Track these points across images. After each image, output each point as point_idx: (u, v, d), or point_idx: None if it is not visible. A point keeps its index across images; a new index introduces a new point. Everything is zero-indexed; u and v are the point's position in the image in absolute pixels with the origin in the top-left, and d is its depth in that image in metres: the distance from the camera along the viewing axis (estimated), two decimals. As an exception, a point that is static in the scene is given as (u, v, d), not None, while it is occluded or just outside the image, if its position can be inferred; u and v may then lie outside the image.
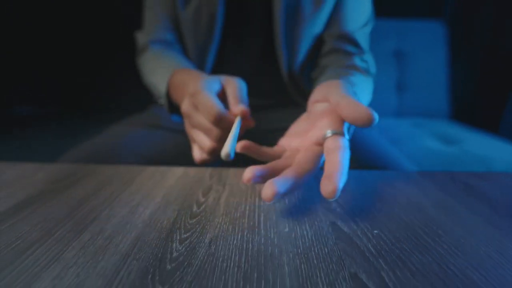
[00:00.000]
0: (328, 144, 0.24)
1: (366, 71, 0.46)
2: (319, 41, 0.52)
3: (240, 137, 0.28)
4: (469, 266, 0.16)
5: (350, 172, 0.29)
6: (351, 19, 0.50)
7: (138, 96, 0.70)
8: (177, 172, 0.29)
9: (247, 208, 0.23)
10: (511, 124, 1.17)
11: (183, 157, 0.43)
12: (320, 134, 0.26)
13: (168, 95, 0.41)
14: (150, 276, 0.15)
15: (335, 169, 0.20)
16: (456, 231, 0.20)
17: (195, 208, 0.23)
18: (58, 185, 0.26)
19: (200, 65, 0.53)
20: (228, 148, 0.20)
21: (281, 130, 0.47)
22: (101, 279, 0.15)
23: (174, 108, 0.42)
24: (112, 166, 0.31)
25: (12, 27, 1.02)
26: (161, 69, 0.45)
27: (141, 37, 0.56)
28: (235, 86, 0.32)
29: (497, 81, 1.12)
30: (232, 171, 0.30)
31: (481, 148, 0.77)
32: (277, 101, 0.56)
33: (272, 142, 0.41)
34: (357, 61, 0.47)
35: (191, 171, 0.30)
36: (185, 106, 0.31)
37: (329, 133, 0.25)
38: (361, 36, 0.50)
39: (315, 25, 0.49)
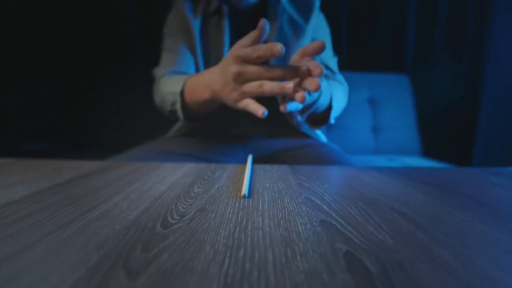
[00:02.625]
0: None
1: (339, 82, 0.65)
2: None
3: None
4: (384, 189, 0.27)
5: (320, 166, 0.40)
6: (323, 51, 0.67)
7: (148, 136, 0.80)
8: (191, 164, 0.40)
9: (241, 177, 0.33)
10: (482, 159, 1.31)
11: None
12: None
13: (183, 98, 0.51)
14: (182, 196, 0.25)
15: None
16: (381, 186, 0.30)
17: (206, 177, 0.33)
18: (95, 171, 0.36)
19: None
20: (244, 190, 0.26)
21: (284, 151, 0.61)
22: (152, 197, 0.25)
23: (188, 113, 0.53)
24: (138, 163, 0.41)
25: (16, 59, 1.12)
26: (176, 78, 0.54)
27: (159, 71, 0.64)
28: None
29: (461, 119, 1.29)
30: (230, 165, 0.40)
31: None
32: (280, 130, 0.68)
33: (280, 160, 0.55)
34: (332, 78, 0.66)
35: (201, 164, 0.40)
36: (232, 69, 0.36)
37: None
38: (333, 63, 0.68)
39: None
